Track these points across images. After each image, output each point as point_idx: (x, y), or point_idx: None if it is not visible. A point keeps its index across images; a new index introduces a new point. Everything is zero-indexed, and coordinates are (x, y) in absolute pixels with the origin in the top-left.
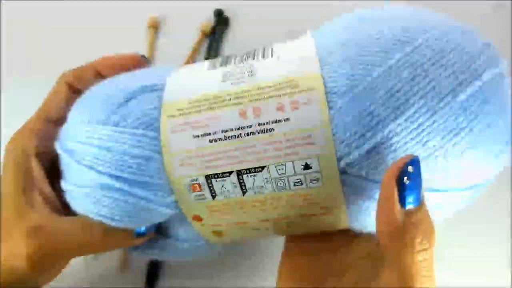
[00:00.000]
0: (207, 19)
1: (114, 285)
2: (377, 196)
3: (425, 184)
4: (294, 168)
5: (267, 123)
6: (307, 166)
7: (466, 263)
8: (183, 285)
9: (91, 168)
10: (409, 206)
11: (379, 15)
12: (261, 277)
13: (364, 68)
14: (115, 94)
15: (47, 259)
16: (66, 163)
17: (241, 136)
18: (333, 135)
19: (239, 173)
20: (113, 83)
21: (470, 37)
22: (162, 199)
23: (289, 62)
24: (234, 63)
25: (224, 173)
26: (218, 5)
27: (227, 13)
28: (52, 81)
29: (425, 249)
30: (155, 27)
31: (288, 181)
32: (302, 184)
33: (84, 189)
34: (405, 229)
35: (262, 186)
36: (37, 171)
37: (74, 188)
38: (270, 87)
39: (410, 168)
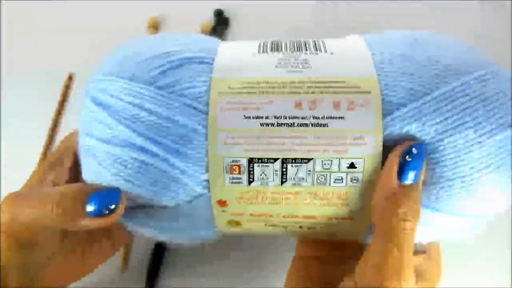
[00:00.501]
0: (207, 19)
1: (114, 285)
2: None
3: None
4: (339, 165)
5: (322, 117)
6: (352, 165)
7: (466, 263)
8: (184, 285)
9: (127, 126)
10: (406, 182)
11: (433, 40)
12: (263, 277)
13: (423, 86)
14: (160, 56)
15: (23, 229)
16: (95, 117)
17: (294, 126)
18: (384, 142)
19: (284, 161)
20: (155, 44)
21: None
22: (196, 174)
23: (344, 60)
24: (286, 50)
25: (270, 159)
26: (218, 5)
27: (227, 13)
28: (52, 81)
29: (408, 221)
30: (155, 27)
31: (330, 177)
32: (342, 182)
33: (111, 147)
34: (396, 196)
35: (302, 178)
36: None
37: (98, 144)
38: (326, 82)
39: (414, 150)
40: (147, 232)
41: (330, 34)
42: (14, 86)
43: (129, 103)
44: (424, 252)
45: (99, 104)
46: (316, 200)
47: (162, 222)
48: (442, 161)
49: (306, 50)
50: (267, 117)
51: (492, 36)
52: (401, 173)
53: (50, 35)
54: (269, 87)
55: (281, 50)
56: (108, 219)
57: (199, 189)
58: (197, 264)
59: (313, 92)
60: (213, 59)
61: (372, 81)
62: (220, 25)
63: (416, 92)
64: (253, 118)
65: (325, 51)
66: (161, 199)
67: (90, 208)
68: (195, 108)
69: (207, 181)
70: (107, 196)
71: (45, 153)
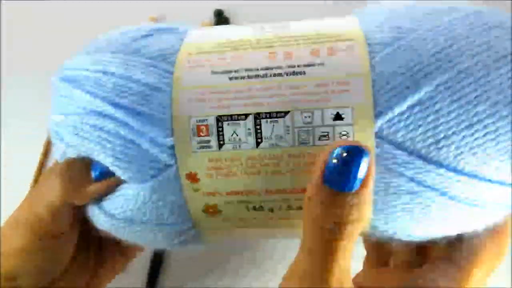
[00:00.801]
0: (207, 19)
1: (114, 285)
2: (408, 174)
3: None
4: (322, 117)
5: (298, 65)
6: (338, 116)
7: None
8: (184, 285)
9: (88, 92)
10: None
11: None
12: (263, 278)
13: (413, 22)
14: (128, 32)
15: (41, 221)
16: (60, 93)
17: (266, 77)
18: (373, 86)
19: (257, 116)
20: (122, 29)
21: None
22: (159, 138)
23: (328, 21)
24: (264, 25)
25: (240, 115)
26: (218, 5)
27: (227, 13)
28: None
29: (334, 233)
30: None
31: (313, 133)
32: (329, 139)
33: (71, 118)
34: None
35: (281, 137)
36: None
37: (61, 120)
38: (305, 36)
39: (341, 151)
40: (111, 229)
41: None
42: (14, 86)
43: (93, 71)
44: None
45: (65, 80)
46: (301, 165)
47: (128, 213)
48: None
49: (287, 23)
50: (236, 71)
51: None
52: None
53: (50, 35)
54: (242, 44)
55: (259, 26)
56: (114, 179)
57: (164, 158)
58: (197, 264)
59: (290, 45)
60: (186, 31)
61: (356, 31)
62: (220, 25)
63: (406, 30)
64: (221, 73)
65: (309, 20)
66: (124, 173)
67: (95, 172)
68: (159, 68)
69: (173, 147)
70: None
71: (38, 174)
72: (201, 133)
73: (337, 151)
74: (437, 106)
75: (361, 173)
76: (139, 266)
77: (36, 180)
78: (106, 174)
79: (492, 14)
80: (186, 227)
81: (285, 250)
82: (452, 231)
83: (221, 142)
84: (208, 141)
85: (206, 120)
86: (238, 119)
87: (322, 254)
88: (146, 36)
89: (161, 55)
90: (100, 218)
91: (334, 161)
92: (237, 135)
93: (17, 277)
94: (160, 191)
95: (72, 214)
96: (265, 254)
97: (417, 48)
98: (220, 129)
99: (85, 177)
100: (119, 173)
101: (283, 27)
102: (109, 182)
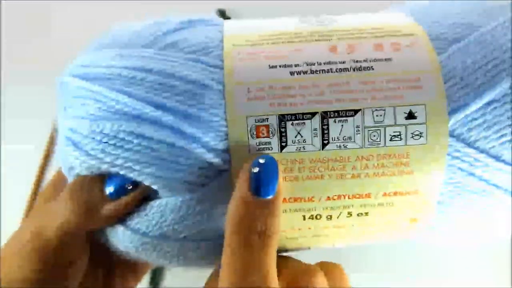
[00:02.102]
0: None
1: None
2: (477, 172)
3: None
4: (395, 115)
5: (364, 60)
6: (411, 115)
7: (466, 263)
8: (187, 285)
9: (120, 91)
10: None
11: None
12: None
13: (476, 19)
14: (156, 24)
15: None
16: (77, 94)
17: (331, 72)
18: (445, 82)
19: (325, 115)
20: (142, 23)
21: None
22: (212, 142)
23: (375, 16)
24: (307, 17)
25: (305, 113)
26: (220, 5)
27: (229, 13)
28: (52, 82)
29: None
30: None
31: (384, 133)
32: (401, 140)
33: (100, 123)
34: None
35: (350, 138)
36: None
37: (82, 125)
38: (359, 30)
39: (261, 160)
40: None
41: None
42: (14, 86)
43: (124, 67)
44: None
45: (84, 78)
46: (369, 169)
47: (164, 228)
48: None
49: (330, 17)
50: (297, 65)
51: None
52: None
53: (50, 35)
54: (295, 37)
55: (301, 17)
56: (136, 193)
57: (217, 163)
58: None
59: (348, 38)
60: (221, 22)
61: (413, 26)
62: None
63: (470, 25)
64: (280, 66)
65: (351, 15)
66: (169, 185)
67: (109, 189)
68: (205, 63)
69: (227, 151)
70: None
71: (35, 191)
72: (261, 135)
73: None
74: None
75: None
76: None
77: (36, 189)
78: (121, 190)
79: None
80: None
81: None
82: (504, 233)
83: (283, 144)
84: (269, 143)
85: (267, 119)
86: (303, 118)
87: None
88: (178, 29)
89: (203, 48)
90: (126, 238)
91: (254, 170)
92: (302, 136)
93: None
94: (207, 201)
95: (84, 239)
96: None
97: (489, 44)
98: (283, 129)
99: (100, 197)
100: (161, 185)
101: (329, 20)
102: (129, 199)
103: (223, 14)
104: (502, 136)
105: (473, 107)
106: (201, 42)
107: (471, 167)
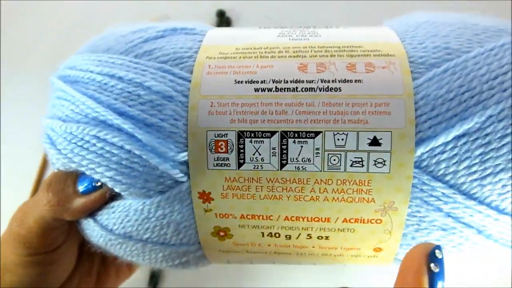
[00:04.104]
0: (209, 19)
1: None
2: (445, 208)
3: None
4: (357, 140)
5: (332, 81)
6: (375, 141)
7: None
8: (186, 285)
9: (91, 97)
10: None
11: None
12: (265, 279)
13: (462, 43)
14: (141, 30)
15: (32, 233)
16: (59, 95)
17: (296, 90)
18: (416, 109)
19: (284, 135)
20: (131, 27)
21: None
22: (171, 154)
23: (359, 31)
24: (291, 27)
25: (265, 132)
26: (220, 6)
27: (229, 14)
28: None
29: None
30: None
31: (345, 157)
32: (362, 166)
33: (71, 125)
34: None
35: (308, 160)
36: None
37: (58, 125)
38: (338, 47)
39: (438, 253)
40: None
41: None
42: (14, 86)
43: (99, 73)
44: None
45: (66, 81)
46: (329, 193)
47: (128, 228)
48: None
49: (315, 27)
50: (263, 81)
51: None
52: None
53: (50, 35)
54: (269, 52)
55: (285, 28)
56: (103, 191)
57: (175, 174)
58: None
59: (321, 56)
60: (204, 31)
61: (395, 45)
62: (222, 25)
63: (454, 51)
64: (246, 82)
65: (337, 27)
66: (127, 189)
67: (81, 187)
68: (174, 74)
69: (186, 163)
70: None
71: (35, 191)
72: (219, 150)
73: (432, 253)
74: (487, 139)
75: None
76: (141, 266)
77: (36, 189)
78: (91, 187)
79: None
80: (190, 249)
81: None
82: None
83: (241, 161)
84: (227, 159)
85: (226, 135)
86: (262, 136)
87: None
88: (159, 36)
89: (176, 58)
90: (95, 232)
91: (435, 269)
92: (260, 154)
93: None
94: (166, 208)
95: (66, 227)
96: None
97: (469, 73)
98: (241, 146)
99: (72, 191)
100: (120, 189)
101: (313, 33)
102: (97, 195)
103: (222, 14)
104: (473, 173)
105: (442, 139)
106: (176, 51)
107: (438, 201)
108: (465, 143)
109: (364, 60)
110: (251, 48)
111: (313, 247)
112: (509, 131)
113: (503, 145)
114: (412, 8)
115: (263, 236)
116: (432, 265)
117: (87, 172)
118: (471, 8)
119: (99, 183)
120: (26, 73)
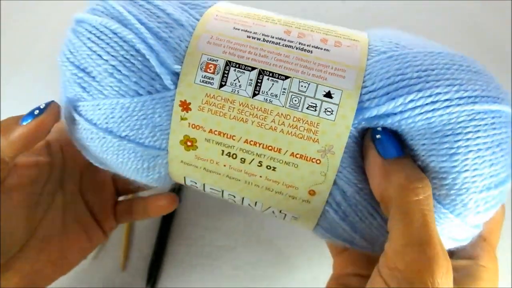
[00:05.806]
0: None
1: (115, 285)
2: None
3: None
4: (316, 90)
5: (308, 45)
6: (329, 94)
7: None
8: (184, 285)
9: (121, 5)
10: (390, 157)
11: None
12: (263, 277)
13: (410, 43)
14: None
15: None
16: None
17: (279, 44)
18: (364, 81)
19: (262, 72)
20: None
21: None
22: (168, 62)
23: (340, 27)
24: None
25: (247, 66)
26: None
27: None
28: (52, 82)
29: (415, 188)
30: None
31: (304, 101)
32: (315, 111)
33: (95, 18)
34: (388, 171)
35: (276, 96)
36: None
37: (86, 17)
38: (319, 28)
39: (379, 128)
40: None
41: None
42: (14, 86)
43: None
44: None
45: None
46: (285, 126)
47: (110, 124)
48: (426, 118)
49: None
50: (255, 33)
51: (492, 36)
52: (381, 150)
53: (50, 36)
54: (265, 18)
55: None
56: (42, 118)
57: (166, 80)
58: (198, 264)
59: (304, 29)
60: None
61: (362, 36)
62: None
63: (401, 47)
64: (241, 30)
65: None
66: (123, 81)
67: (25, 120)
68: (189, 13)
69: (177, 75)
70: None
71: None
72: (208, 70)
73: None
74: (407, 121)
75: None
76: (139, 266)
77: None
78: (31, 115)
79: (474, 62)
80: (159, 154)
81: (287, 248)
82: None
83: (223, 83)
84: (211, 78)
85: (217, 60)
86: (244, 69)
87: (417, 217)
88: None
89: (195, 4)
90: (80, 125)
91: (378, 136)
92: (239, 81)
93: None
94: (149, 109)
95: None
96: (265, 254)
97: (406, 62)
98: (226, 72)
99: (12, 122)
100: (117, 79)
101: (302, 19)
102: (36, 121)
103: None
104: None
105: (374, 112)
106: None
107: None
108: (389, 120)
109: (335, 39)
110: (252, 14)
111: (261, 176)
112: (422, 117)
113: (418, 128)
114: (413, 9)
115: (222, 154)
116: (376, 135)
117: (93, 57)
118: (471, 8)
119: (37, 111)
120: (26, 73)
